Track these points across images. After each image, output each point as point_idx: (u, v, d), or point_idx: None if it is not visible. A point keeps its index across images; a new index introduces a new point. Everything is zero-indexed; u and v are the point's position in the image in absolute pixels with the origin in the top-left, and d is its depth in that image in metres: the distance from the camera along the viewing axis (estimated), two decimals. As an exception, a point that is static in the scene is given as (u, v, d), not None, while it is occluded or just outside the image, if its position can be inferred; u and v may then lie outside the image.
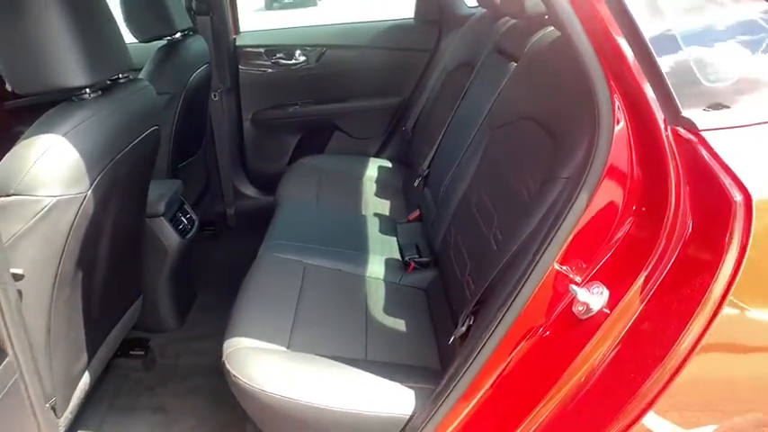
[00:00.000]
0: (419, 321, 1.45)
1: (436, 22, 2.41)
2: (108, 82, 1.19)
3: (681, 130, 0.76)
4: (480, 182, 1.43)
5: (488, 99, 1.57)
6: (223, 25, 2.21)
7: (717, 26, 0.81)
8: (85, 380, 1.34)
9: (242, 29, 2.46)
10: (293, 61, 2.37)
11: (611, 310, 0.82)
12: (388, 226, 1.92)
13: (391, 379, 1.14)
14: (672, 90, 0.75)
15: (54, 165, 0.97)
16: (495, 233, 1.24)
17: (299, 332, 1.30)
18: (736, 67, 0.80)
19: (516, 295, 0.92)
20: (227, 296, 1.48)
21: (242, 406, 1.19)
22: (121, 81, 1.22)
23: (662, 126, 0.76)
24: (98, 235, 1.19)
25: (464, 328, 1.09)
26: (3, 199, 0.95)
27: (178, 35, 1.93)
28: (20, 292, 0.95)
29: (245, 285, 1.47)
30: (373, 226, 1.90)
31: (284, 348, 1.24)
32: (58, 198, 0.97)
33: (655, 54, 0.76)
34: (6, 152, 0.99)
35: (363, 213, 2.01)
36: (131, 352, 1.79)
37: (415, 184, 1.96)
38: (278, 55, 2.36)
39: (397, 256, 1.74)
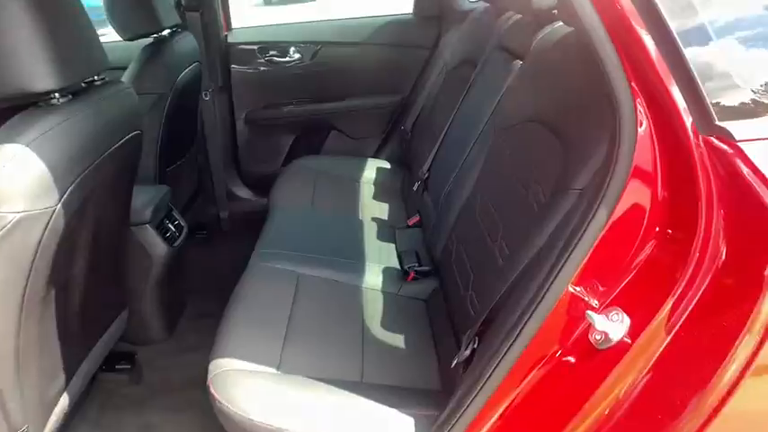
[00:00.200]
0: (419, 337, 1.36)
1: (436, 18, 2.32)
2: (83, 84, 1.10)
3: (714, 141, 0.67)
4: (484, 188, 1.35)
5: (492, 99, 1.48)
6: (214, 21, 2.12)
7: (755, 19, 0.72)
8: (64, 402, 1.26)
9: (241, 25, 2.36)
10: (287, 59, 2.27)
11: (634, 340, 0.73)
12: (387, 232, 1.84)
13: (389, 405, 1.06)
14: (704, 94, 0.66)
15: (17, 177, 0.88)
16: (500, 245, 1.15)
17: (291, 351, 1.22)
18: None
19: (527, 319, 0.83)
20: (219, 304, 1.41)
21: (228, 433, 1.11)
22: (97, 83, 1.13)
23: (692, 136, 0.68)
24: (72, 250, 1.11)
25: (468, 352, 1.00)
26: (-39, 215, 0.86)
27: (165, 32, 1.83)
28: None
29: (234, 299, 1.39)
30: (371, 232, 1.81)
31: (274, 370, 1.16)
32: (21, 214, 0.88)
33: (684, 52, 0.67)
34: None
35: (360, 218, 1.92)
36: (117, 366, 1.71)
37: (415, 188, 1.87)
38: (271, 52, 2.26)
39: (396, 264, 1.66)
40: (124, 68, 1.71)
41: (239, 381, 1.12)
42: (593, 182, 0.87)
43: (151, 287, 1.67)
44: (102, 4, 1.63)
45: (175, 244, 1.68)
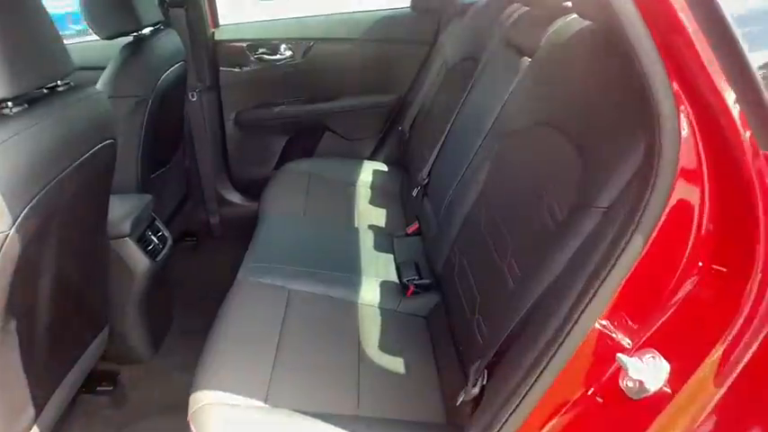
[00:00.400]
0: (420, 362, 1.26)
1: (435, 11, 2.19)
2: (44, 91, 0.99)
3: (777, 159, 0.56)
4: (490, 199, 1.23)
5: (497, 100, 1.37)
6: (199, 18, 1.99)
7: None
8: None
9: (242, 20, 2.24)
10: (278, 57, 2.15)
11: (675, 391, 0.62)
12: (384, 241, 1.73)
13: (388, 444, 0.95)
14: (767, 102, 0.55)
15: (-40, 200, 0.77)
16: (510, 264, 1.04)
17: (280, 380, 1.11)
18: None
19: (549, 359, 0.72)
20: (209, 317, 1.31)
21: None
22: (60, 89, 1.01)
23: (750, 152, 0.57)
24: (34, 275, 0.99)
25: (477, 390, 0.89)
26: None
27: (147, 30, 1.71)
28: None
29: (219, 320, 1.28)
30: (367, 241, 1.70)
31: (261, 403, 1.05)
32: (-34, 242, 0.77)
33: (743, 50, 0.55)
34: None
35: (356, 226, 1.81)
36: (98, 388, 1.60)
37: (414, 194, 1.76)
38: (261, 50, 2.14)
39: (394, 277, 1.55)
40: (100, 68, 1.59)
41: (222, 416, 1.02)
42: (623, 200, 0.76)
43: (133, 304, 1.56)
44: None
45: (159, 257, 1.57)
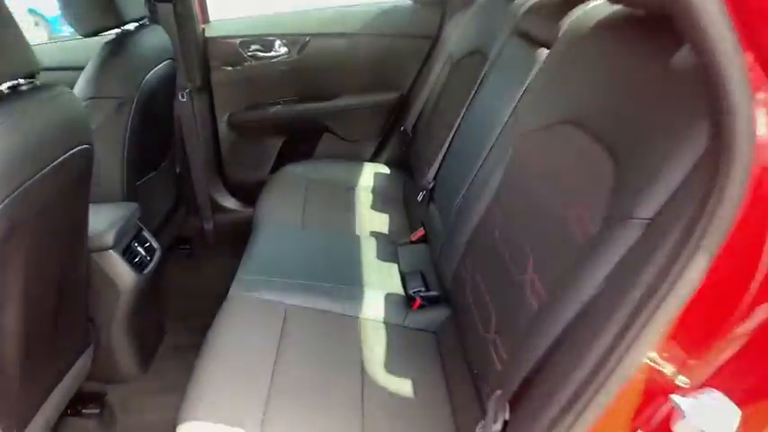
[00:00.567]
0: (430, 382, 1.15)
1: (439, 3, 2.08)
2: (4, 90, 0.88)
3: None
4: (505, 205, 1.12)
5: (511, 96, 1.26)
6: (188, 13, 1.87)
7: None
8: None
9: (247, 13, 2.13)
10: (273, 53, 2.04)
11: (751, 445, 0.51)
12: (388, 249, 1.62)
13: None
14: None
15: None
16: (530, 281, 0.93)
17: (277, 406, 1.02)
18: None
19: (588, 401, 0.61)
20: (203, 331, 1.22)
21: None
22: (23, 89, 0.90)
23: None
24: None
25: (499, 427, 0.78)
26: None
27: (131, 26, 1.60)
28: None
29: (209, 341, 1.18)
30: (369, 250, 1.59)
31: (256, 434, 0.94)
32: None
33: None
34: None
35: (357, 233, 1.70)
36: (84, 410, 1.49)
37: (419, 199, 1.65)
38: (254, 47, 2.03)
39: (400, 288, 1.45)
40: (78, 69, 1.48)
41: (212, 452, 0.91)
42: (673, 210, 0.65)
43: (119, 320, 1.45)
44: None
45: (146, 270, 1.46)
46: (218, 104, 2.08)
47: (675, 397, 0.56)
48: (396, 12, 2.12)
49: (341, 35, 2.09)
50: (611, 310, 0.65)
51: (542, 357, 0.78)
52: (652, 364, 0.59)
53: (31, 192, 0.86)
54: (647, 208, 0.71)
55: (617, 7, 0.96)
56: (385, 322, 1.32)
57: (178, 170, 2.07)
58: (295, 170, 2.02)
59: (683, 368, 0.58)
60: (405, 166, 2.10)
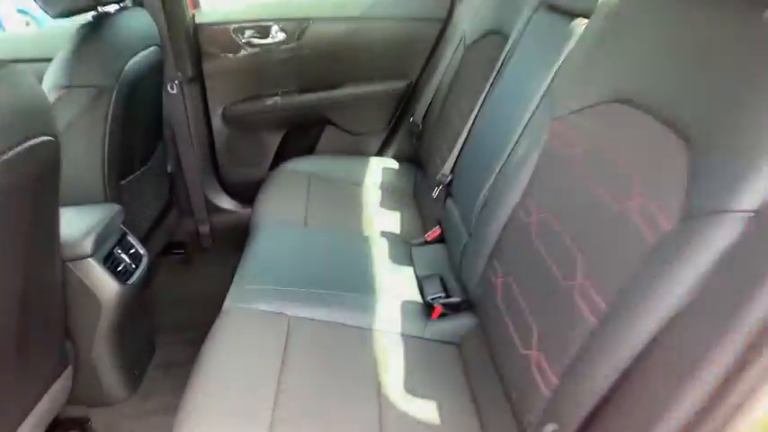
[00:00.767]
0: (456, 403, 1.01)
1: (449, -17, 1.92)
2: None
3: None
4: (541, 199, 0.96)
5: (542, 75, 1.10)
6: (178, -3, 1.72)
7: None
8: None
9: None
10: (270, 40, 1.88)
11: None
12: (401, 250, 1.47)
13: None
14: None
15: None
16: (582, 289, 0.77)
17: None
18: None
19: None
20: (200, 345, 1.08)
21: None
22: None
23: None
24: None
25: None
26: None
27: (110, 8, 1.44)
28: None
29: (204, 357, 1.04)
30: (380, 252, 1.44)
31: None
32: None
33: None
34: None
35: (366, 234, 1.55)
36: (65, 437, 1.34)
37: (434, 195, 1.49)
38: (250, 33, 1.87)
39: (416, 295, 1.29)
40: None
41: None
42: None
43: (102, 337, 1.30)
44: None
45: (131, 280, 1.30)
46: (212, 96, 1.93)
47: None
48: (402, -8, 1.96)
49: (344, 19, 1.93)
50: (720, 324, 0.49)
51: (614, 384, 0.62)
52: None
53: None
54: (750, 198, 0.56)
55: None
56: (402, 334, 1.17)
57: (169, 168, 1.91)
58: (296, 166, 1.87)
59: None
60: (415, 160, 1.95)
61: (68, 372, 1.25)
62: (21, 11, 5.39)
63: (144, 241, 1.62)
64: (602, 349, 0.66)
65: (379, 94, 2.03)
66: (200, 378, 0.99)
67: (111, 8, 1.44)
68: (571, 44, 1.05)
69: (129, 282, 1.30)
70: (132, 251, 1.36)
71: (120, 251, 1.31)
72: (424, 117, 1.86)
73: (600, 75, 0.92)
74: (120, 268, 1.29)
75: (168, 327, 1.72)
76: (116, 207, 1.33)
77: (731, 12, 0.69)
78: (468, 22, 1.73)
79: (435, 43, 1.96)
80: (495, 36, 1.50)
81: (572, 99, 0.97)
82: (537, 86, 1.10)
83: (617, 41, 0.90)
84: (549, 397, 0.76)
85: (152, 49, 1.55)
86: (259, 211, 1.63)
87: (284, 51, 1.91)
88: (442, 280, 1.32)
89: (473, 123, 1.40)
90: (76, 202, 1.31)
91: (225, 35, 1.86)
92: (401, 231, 1.60)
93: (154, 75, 1.59)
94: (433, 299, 1.25)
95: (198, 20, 1.83)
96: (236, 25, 1.86)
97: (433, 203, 1.55)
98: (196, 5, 1.87)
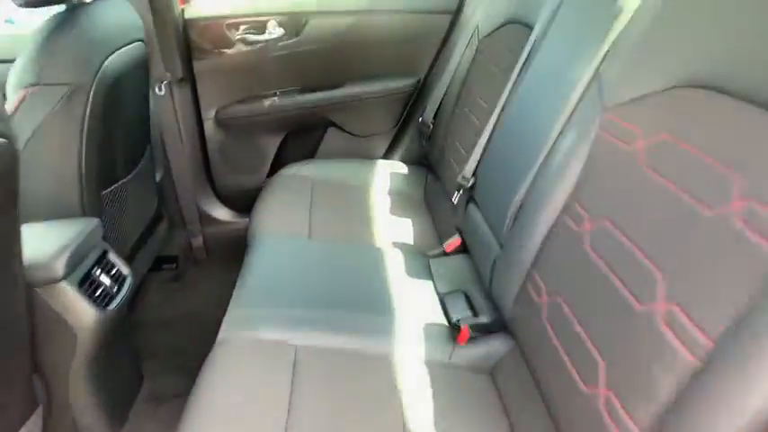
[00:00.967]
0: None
1: (459, -28, 1.78)
2: None
3: None
4: (598, 201, 0.81)
5: (586, 61, 0.95)
6: (166, -10, 1.56)
7: None
8: None
9: None
10: (266, 36, 1.73)
11: None
12: (417, 263, 1.31)
13: None
14: None
15: None
16: (671, 317, 0.61)
17: None
18: None
19: None
20: (194, 373, 0.95)
21: None
22: None
23: None
24: None
25: None
26: None
27: (87, -2, 1.28)
28: None
29: (198, 393, 0.89)
30: (395, 265, 1.29)
31: None
32: None
33: None
34: None
35: (377, 245, 1.39)
36: (38, 486, 1.16)
37: (454, 200, 1.34)
38: (244, 29, 1.71)
39: (439, 315, 1.14)
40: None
41: None
42: None
43: (78, 371, 1.13)
44: None
45: (112, 305, 1.14)
46: (204, 98, 1.77)
47: None
48: (410, -16, 1.82)
49: (345, 13, 1.78)
50: None
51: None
52: None
53: None
54: None
55: None
56: (426, 362, 1.01)
57: (158, 176, 1.75)
58: (297, 172, 1.72)
59: None
60: (425, 163, 1.80)
61: (38, 412, 1.08)
62: (9, 21, 5.25)
63: (129, 259, 1.46)
64: (716, 401, 0.51)
65: (385, 92, 1.88)
66: (195, 419, 0.84)
67: (88, -2, 1.28)
68: (621, 22, 0.91)
69: (109, 307, 1.13)
70: (114, 271, 1.19)
71: (99, 272, 1.15)
72: (434, 116, 1.71)
73: (665, 56, 0.77)
74: (98, 292, 1.12)
75: (157, 352, 1.55)
76: (94, 221, 1.16)
77: None
78: (481, 12, 1.59)
79: (445, 37, 1.82)
80: (514, 26, 1.36)
81: (629, 85, 0.82)
82: (580, 74, 0.96)
83: (687, 15, 0.76)
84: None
85: (136, 44, 1.39)
86: (257, 221, 1.47)
87: (282, 48, 1.75)
88: (467, 297, 1.17)
89: (498, 119, 1.25)
90: (48, 216, 1.15)
91: (217, 31, 1.70)
92: (415, 241, 1.44)
93: (138, 73, 1.43)
94: (458, 320, 1.09)
95: (188, 14, 1.68)
96: (230, 20, 1.71)
97: (451, 210, 1.40)
98: (185, -1, 1.72)
